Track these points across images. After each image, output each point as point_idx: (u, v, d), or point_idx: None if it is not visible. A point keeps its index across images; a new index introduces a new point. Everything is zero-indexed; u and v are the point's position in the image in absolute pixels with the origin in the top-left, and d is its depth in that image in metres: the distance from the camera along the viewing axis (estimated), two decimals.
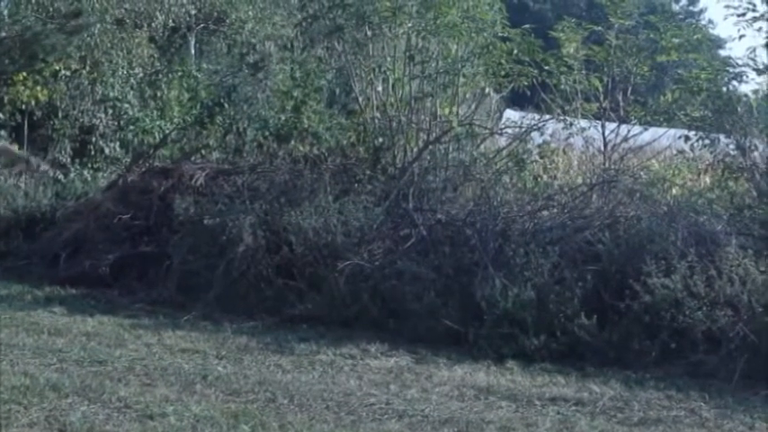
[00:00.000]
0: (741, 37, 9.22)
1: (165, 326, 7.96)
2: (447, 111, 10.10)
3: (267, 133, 10.57)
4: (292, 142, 10.45)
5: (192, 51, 15.92)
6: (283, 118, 10.82)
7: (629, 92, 9.88)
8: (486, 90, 10.21)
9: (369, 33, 10.21)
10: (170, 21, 14.32)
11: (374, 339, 7.58)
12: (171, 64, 13.99)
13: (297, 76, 11.36)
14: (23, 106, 12.64)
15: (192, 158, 10.80)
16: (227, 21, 16.06)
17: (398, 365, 7.00)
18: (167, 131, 11.77)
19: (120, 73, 12.71)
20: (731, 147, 9.11)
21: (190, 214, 9.30)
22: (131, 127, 12.22)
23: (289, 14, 14.22)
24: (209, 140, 11.03)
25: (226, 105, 11.00)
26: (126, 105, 12.41)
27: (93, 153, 12.92)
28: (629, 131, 9.71)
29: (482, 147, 10.13)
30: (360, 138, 10.43)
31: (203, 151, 11.02)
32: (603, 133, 9.76)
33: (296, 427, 5.40)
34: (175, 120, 12.42)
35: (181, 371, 6.49)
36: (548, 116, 9.93)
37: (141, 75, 13.16)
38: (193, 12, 15.01)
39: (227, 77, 11.70)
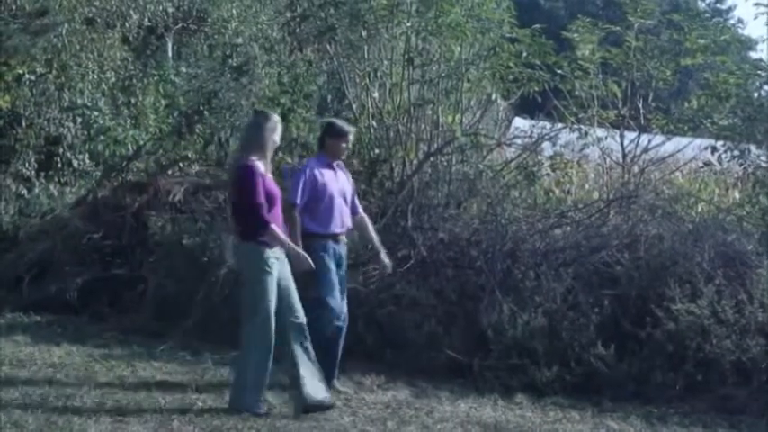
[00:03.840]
0: None
1: (139, 356, 8.01)
2: (450, 119, 10.13)
3: None
4: (280, 154, 10.49)
5: (170, 54, 16.00)
6: None
7: (650, 98, 9.95)
8: (493, 96, 10.25)
9: (364, 34, 10.23)
10: (145, 20, 14.39)
11: (369, 371, 7.64)
12: (146, 67, 14.05)
13: (285, 82, 11.42)
14: None
15: (170, 172, 10.83)
16: (209, 20, 16.15)
17: (396, 400, 7.05)
18: (142, 142, 11.82)
19: (91, 77, 12.75)
20: (763, 158, 9.17)
21: (167, 233, 9.35)
22: (102, 137, 12.24)
23: (276, 13, 14.29)
24: (188, 152, 11.08)
25: (206, 113, 11.06)
26: (96, 113, 12.43)
27: (60, 166, 12.93)
28: (650, 142, 9.78)
29: (488, 159, 10.17)
30: (354, 149, 10.44)
31: (182, 164, 11.04)
32: (622, 144, 9.83)
33: None
34: (151, 129, 12.47)
35: (157, 406, 6.53)
36: (561, 125, 9.98)
37: (113, 80, 13.21)
38: (171, 10, 15.09)
39: (207, 82, 11.73)
